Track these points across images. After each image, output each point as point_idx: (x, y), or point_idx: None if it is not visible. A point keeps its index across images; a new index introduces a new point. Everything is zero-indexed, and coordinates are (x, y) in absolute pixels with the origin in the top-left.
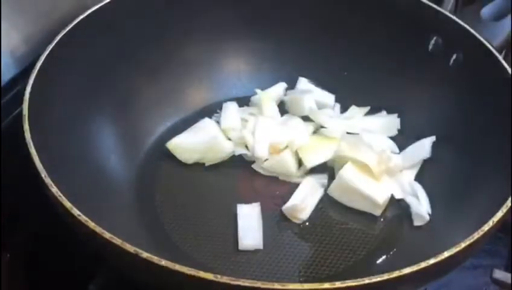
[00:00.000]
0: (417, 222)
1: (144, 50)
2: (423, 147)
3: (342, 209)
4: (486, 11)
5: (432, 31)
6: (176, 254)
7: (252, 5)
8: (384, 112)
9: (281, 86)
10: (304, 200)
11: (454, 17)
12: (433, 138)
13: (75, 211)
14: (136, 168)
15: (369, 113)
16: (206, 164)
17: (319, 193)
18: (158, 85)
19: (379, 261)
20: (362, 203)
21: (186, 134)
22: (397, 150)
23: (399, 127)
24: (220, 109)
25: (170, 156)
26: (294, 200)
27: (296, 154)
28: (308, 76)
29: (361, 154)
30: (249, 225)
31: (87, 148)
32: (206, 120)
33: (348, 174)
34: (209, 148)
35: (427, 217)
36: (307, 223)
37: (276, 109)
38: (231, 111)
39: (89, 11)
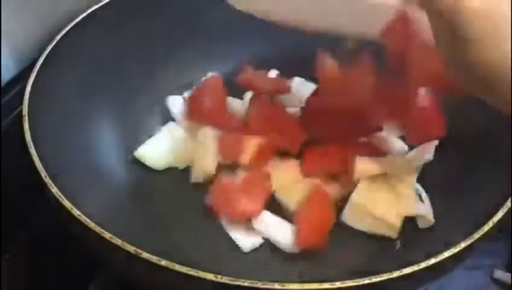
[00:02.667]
0: (422, 225)
1: (143, 50)
2: (427, 150)
3: None
4: None
5: None
6: (176, 253)
7: None
8: None
9: (273, 74)
10: None
11: None
12: (436, 142)
13: (75, 211)
14: (136, 168)
15: None
16: (179, 168)
17: None
18: (158, 85)
19: (379, 261)
20: (377, 226)
21: (152, 140)
22: (406, 148)
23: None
24: None
25: None
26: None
27: None
28: (308, 77)
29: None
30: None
31: (87, 148)
32: (171, 124)
33: (360, 196)
34: (178, 152)
35: (432, 220)
36: None
37: None
38: None
39: (89, 11)
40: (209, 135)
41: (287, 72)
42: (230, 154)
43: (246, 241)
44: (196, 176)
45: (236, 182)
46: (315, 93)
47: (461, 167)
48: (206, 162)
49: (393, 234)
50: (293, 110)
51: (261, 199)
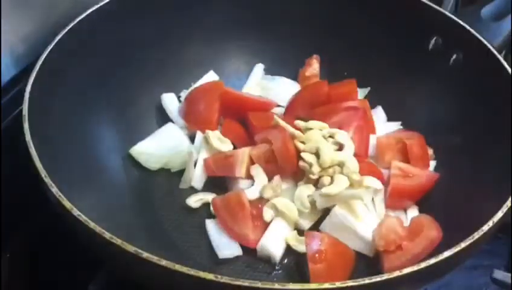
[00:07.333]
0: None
1: (143, 50)
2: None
3: None
4: (486, 11)
5: (432, 31)
6: (176, 254)
7: (252, 5)
8: (379, 108)
9: (260, 68)
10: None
11: (454, 17)
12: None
13: (75, 211)
14: (136, 168)
15: None
16: (172, 170)
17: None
18: (158, 85)
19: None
20: (354, 242)
21: (149, 140)
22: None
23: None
24: None
25: None
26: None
27: None
28: (294, 77)
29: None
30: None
31: (87, 148)
32: (170, 125)
33: (341, 211)
34: (174, 154)
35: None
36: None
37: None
38: None
39: (89, 11)
40: (202, 151)
41: (273, 70)
42: (223, 171)
43: (223, 248)
44: (183, 185)
45: (245, 202)
46: (298, 95)
47: (461, 167)
48: (194, 179)
49: (370, 252)
50: (278, 110)
51: (262, 231)
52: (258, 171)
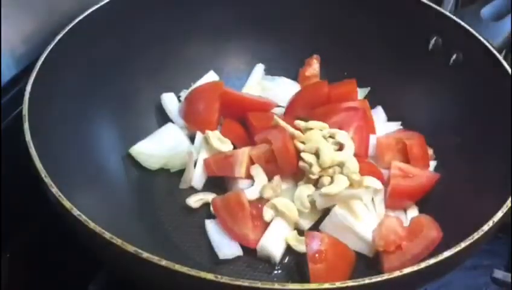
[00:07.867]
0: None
1: (143, 50)
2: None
3: None
4: (486, 11)
5: (432, 31)
6: (176, 254)
7: (252, 5)
8: (379, 108)
9: (260, 68)
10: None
11: (454, 17)
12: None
13: (75, 211)
14: (135, 168)
15: None
16: (172, 170)
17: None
18: (158, 85)
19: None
20: (354, 242)
21: (149, 139)
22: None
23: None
24: None
25: None
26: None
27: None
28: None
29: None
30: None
31: (87, 148)
32: (170, 125)
33: (341, 211)
34: (174, 154)
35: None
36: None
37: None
38: None
39: (89, 11)
40: (202, 152)
41: (273, 70)
42: (222, 171)
43: (223, 248)
44: (183, 185)
45: (245, 203)
46: (298, 95)
47: (461, 167)
48: (194, 179)
49: (370, 253)
50: (278, 110)
51: (262, 231)
52: (258, 171)
